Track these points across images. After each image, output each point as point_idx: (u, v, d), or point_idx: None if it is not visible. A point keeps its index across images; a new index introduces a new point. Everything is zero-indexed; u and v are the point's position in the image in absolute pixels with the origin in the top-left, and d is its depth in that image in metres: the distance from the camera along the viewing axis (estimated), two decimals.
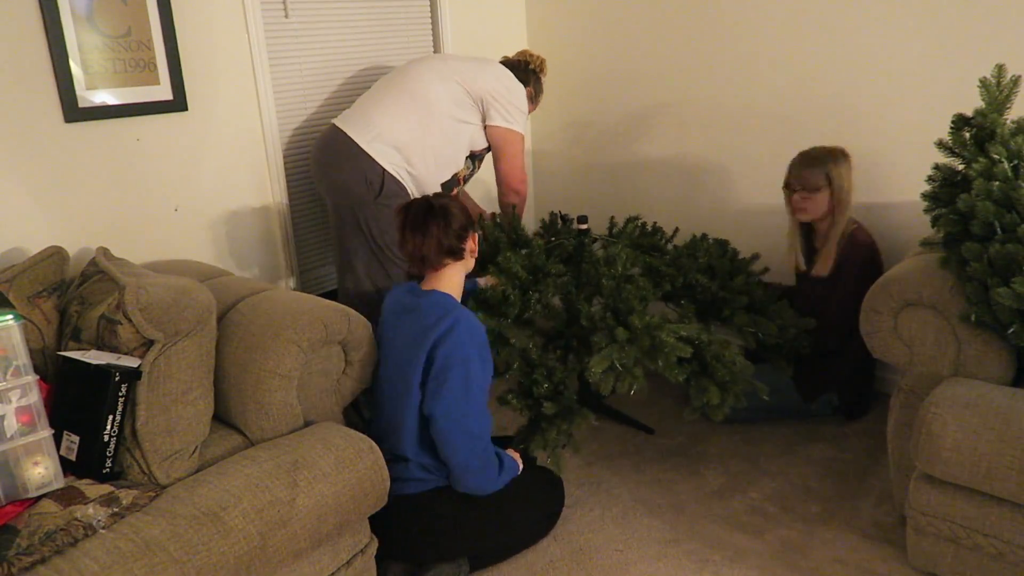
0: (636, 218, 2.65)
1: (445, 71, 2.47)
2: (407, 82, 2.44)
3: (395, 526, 1.88)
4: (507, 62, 2.65)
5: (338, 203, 2.43)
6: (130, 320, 1.59)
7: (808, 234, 2.57)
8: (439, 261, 1.89)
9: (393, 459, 1.86)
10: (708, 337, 2.02)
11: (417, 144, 2.40)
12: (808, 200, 2.41)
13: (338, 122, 2.43)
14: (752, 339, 2.25)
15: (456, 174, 2.55)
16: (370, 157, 2.34)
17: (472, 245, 1.96)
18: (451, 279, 1.93)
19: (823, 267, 2.45)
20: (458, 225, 1.89)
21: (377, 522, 1.85)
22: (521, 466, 2.00)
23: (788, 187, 2.48)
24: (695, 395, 2.02)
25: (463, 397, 1.80)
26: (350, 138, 2.36)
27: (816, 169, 2.39)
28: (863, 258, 2.39)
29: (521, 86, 2.56)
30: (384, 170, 2.35)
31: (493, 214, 2.76)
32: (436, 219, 1.87)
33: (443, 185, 2.52)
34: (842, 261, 2.42)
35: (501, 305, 2.14)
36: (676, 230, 2.66)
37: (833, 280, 2.44)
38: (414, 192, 2.43)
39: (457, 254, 1.91)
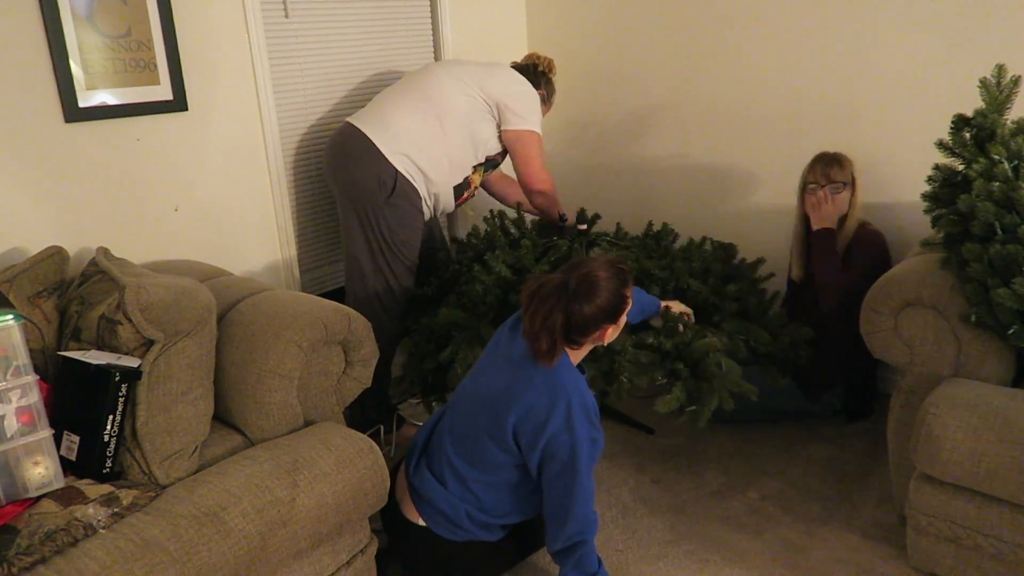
0: (659, 234, 2.60)
1: (462, 76, 2.50)
2: (426, 87, 2.47)
3: (404, 549, 1.84)
4: (516, 66, 2.69)
5: (347, 200, 2.44)
6: (130, 320, 1.59)
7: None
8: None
9: (428, 477, 1.76)
10: (687, 341, 1.97)
11: (433, 148, 2.43)
12: (833, 198, 2.39)
13: (354, 120, 2.44)
14: (742, 346, 2.21)
15: (468, 178, 2.57)
16: (385, 157, 2.36)
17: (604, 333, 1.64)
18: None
19: None
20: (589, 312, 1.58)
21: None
22: None
23: (809, 186, 2.43)
24: (673, 400, 1.98)
25: (570, 478, 1.60)
26: (367, 137, 2.38)
27: (844, 169, 2.39)
28: (878, 247, 2.38)
29: (533, 89, 2.59)
30: (397, 171, 2.37)
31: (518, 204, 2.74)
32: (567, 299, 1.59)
33: (455, 188, 2.54)
34: (853, 247, 2.39)
35: (480, 304, 2.14)
36: (676, 235, 2.63)
37: (845, 267, 2.40)
38: (425, 194, 2.45)
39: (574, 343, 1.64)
